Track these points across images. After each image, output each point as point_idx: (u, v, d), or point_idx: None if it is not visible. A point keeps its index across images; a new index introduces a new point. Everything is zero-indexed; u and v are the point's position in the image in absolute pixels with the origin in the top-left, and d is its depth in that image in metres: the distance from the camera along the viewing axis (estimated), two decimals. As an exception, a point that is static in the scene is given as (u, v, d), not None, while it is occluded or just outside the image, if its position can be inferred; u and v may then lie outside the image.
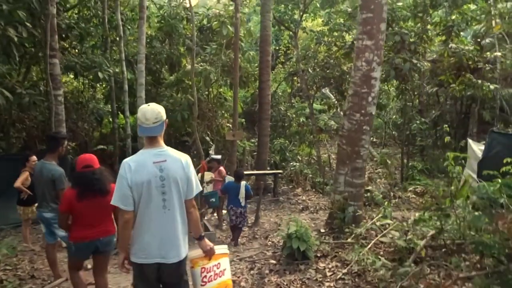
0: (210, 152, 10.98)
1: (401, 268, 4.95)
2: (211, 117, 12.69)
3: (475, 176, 10.08)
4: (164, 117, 3.18)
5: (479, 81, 13.24)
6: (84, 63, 10.36)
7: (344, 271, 5.46)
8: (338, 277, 5.35)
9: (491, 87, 13.25)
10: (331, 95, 18.20)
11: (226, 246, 3.79)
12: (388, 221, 6.44)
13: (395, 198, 10.79)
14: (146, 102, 13.88)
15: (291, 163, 15.21)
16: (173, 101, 11.86)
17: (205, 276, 3.41)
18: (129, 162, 3.11)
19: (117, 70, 12.37)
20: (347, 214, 7.36)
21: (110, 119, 14.44)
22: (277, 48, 21.28)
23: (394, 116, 20.21)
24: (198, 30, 14.40)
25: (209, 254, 3.37)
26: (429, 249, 5.63)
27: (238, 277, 5.95)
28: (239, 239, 8.15)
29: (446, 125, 9.80)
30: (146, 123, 3.08)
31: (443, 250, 5.42)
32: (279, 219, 10.01)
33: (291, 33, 21.01)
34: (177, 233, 3.14)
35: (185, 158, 3.23)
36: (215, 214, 9.56)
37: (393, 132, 20.26)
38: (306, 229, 6.34)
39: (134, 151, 11.62)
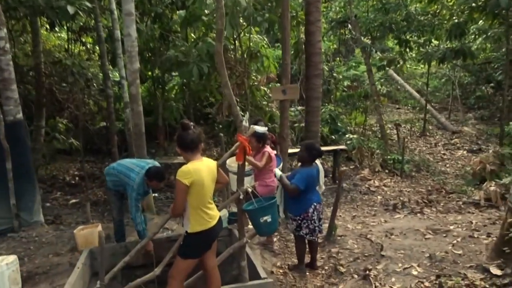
0: (244, 124, 6.53)
1: None
2: (241, 73, 8.36)
3: None
4: None
5: None
6: (44, -5, 6.23)
7: None
8: None
9: None
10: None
11: None
12: None
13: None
14: (148, 57, 9.61)
15: (346, 136, 10.84)
16: (185, 49, 7.58)
17: None
18: None
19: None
20: None
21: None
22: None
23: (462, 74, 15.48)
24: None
25: None
26: None
27: None
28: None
29: None
30: None
31: None
32: (363, 225, 5.78)
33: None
34: None
35: None
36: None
37: (459, 94, 15.47)
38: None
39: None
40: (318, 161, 4.48)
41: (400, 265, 4.15)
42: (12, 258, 4.24)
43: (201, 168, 2.92)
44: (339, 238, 5.19)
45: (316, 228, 4.32)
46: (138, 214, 4.54)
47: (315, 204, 4.28)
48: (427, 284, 3.64)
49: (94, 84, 12.25)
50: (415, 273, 3.91)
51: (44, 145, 10.21)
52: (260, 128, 4.87)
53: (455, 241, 4.45)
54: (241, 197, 3.25)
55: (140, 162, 4.74)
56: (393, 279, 3.88)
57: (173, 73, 10.26)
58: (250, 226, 4.40)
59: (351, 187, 8.30)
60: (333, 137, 11.49)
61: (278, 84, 10.18)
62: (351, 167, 9.64)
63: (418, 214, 6.05)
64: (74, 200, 8.60)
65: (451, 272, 3.75)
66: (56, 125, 10.71)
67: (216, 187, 3.15)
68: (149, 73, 10.59)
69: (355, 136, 10.72)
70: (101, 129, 11.86)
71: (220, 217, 3.12)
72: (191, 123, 3.02)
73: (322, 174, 4.50)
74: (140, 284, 3.18)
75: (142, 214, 5.00)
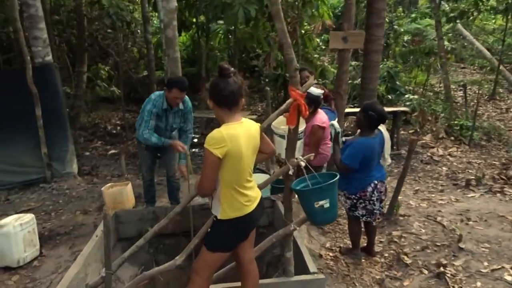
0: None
1: None
2: (294, 19, 7.24)
3: None
4: None
5: None
6: None
7: None
8: None
9: None
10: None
11: None
12: None
13: None
14: (192, 1, 8.28)
15: (406, 96, 9.55)
16: (231, -12, 6.56)
17: None
18: None
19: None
20: None
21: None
22: None
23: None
24: None
25: None
26: None
27: None
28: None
29: None
30: None
31: None
32: (428, 203, 4.81)
33: None
34: None
35: None
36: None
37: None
38: None
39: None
40: (382, 128, 3.50)
41: (485, 264, 3.21)
42: (29, 217, 3.72)
43: (239, 134, 2.07)
44: (401, 218, 4.28)
45: (375, 211, 3.43)
46: (146, 131, 3.79)
47: (375, 182, 3.36)
48: (529, 298, 2.70)
49: (139, 31, 11.57)
50: (508, 278, 2.97)
51: (86, 92, 9.79)
52: (315, 90, 3.93)
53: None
54: (290, 172, 2.39)
55: None
56: (478, 284, 2.96)
57: (219, 22, 9.34)
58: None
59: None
60: (389, 96, 10.22)
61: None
62: (410, 131, 8.48)
63: (498, 194, 4.95)
64: (113, 151, 8.17)
65: (563, 284, 2.78)
66: (98, 72, 10.23)
67: (258, 158, 2.30)
68: (194, 19, 9.69)
69: (415, 97, 9.42)
70: (144, 77, 11.28)
71: (261, 198, 2.30)
72: (232, 69, 2.14)
73: (387, 144, 3.50)
74: (157, 274, 2.48)
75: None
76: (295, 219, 2.64)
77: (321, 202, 2.31)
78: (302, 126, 3.53)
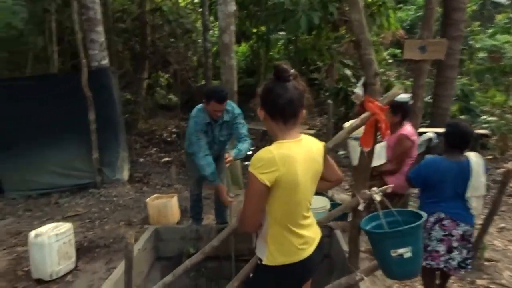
0: (356, 91, 4.54)
1: None
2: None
3: None
4: None
5: None
6: None
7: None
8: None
9: None
10: None
11: None
12: None
13: None
14: (254, 11, 7.62)
15: (482, 117, 8.50)
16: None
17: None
18: None
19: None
20: None
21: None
22: None
23: None
24: None
25: None
26: None
27: None
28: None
29: None
30: None
31: None
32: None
33: None
34: None
35: None
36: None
37: None
38: None
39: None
40: (474, 157, 2.69)
41: None
42: (66, 227, 3.45)
43: (296, 155, 1.55)
44: (487, 263, 3.50)
45: (431, 248, 2.64)
46: (201, 155, 3.36)
47: (442, 215, 2.63)
48: None
49: (200, 40, 11.51)
50: None
51: (146, 99, 9.80)
52: (403, 95, 3.26)
53: None
54: (360, 207, 1.83)
55: None
56: None
57: (280, 33, 8.97)
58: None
59: (489, 183, 6.21)
60: (462, 117, 9.19)
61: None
62: (488, 157, 7.43)
63: None
64: (166, 159, 7.98)
65: None
66: (158, 79, 10.24)
67: (320, 187, 1.76)
68: (254, 29, 9.38)
69: (494, 118, 8.34)
70: (203, 86, 11.16)
71: (321, 239, 1.76)
72: (293, 70, 1.63)
73: (476, 179, 2.61)
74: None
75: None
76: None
77: (400, 251, 1.72)
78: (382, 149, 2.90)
